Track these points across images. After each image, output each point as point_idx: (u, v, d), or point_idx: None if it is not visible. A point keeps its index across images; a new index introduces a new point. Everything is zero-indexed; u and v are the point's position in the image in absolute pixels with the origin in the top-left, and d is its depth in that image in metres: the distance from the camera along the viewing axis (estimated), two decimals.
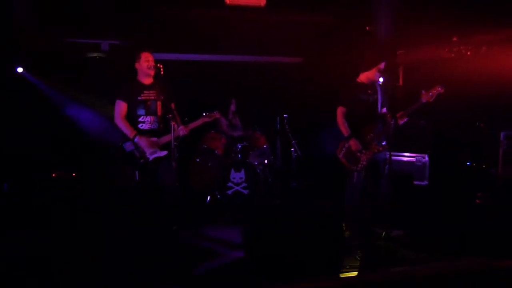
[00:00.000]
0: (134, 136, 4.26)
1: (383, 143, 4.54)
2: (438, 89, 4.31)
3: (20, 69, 6.62)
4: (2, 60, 6.41)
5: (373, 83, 4.63)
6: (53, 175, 6.16)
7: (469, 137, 6.20)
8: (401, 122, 4.40)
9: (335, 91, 4.78)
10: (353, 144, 4.49)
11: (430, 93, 4.30)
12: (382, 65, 4.55)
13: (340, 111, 4.62)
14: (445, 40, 6.35)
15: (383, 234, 4.49)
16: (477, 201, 5.57)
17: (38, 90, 6.71)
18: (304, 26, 6.05)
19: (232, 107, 6.92)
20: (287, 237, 3.69)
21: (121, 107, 4.34)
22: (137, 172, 4.34)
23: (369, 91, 4.61)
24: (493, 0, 4.89)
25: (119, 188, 5.33)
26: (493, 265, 3.11)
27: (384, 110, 4.60)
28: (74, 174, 6.28)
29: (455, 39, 6.22)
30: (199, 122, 4.54)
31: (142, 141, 4.27)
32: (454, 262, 3.86)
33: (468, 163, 6.18)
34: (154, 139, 4.39)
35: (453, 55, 6.34)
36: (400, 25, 6.14)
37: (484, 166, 5.98)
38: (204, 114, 4.55)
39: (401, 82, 7.35)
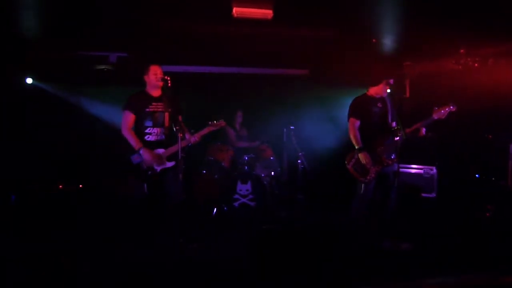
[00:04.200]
0: (140, 149, 4.28)
1: (392, 156, 4.53)
2: (451, 108, 4.35)
3: (29, 80, 6.72)
4: (11, 72, 6.51)
5: (382, 97, 4.65)
6: (60, 186, 6.18)
7: (478, 149, 6.15)
8: (423, 132, 4.49)
9: (342, 103, 4.79)
10: (363, 157, 4.49)
11: (442, 111, 4.35)
12: (391, 80, 4.58)
13: (352, 122, 4.63)
14: (452, 52, 6.34)
15: (392, 246, 4.44)
16: (487, 214, 5.50)
17: (46, 102, 6.79)
18: (311, 39, 6.07)
19: (239, 119, 6.95)
20: (292, 249, 3.66)
21: (128, 118, 4.37)
22: (145, 185, 4.35)
23: (379, 105, 4.63)
24: (500, 13, 4.89)
25: (127, 200, 5.33)
26: (503, 280, 3.05)
27: (394, 124, 4.60)
28: (81, 186, 6.30)
29: (462, 51, 6.21)
30: (205, 130, 4.58)
31: (146, 154, 4.29)
32: (463, 276, 3.80)
33: (477, 175, 6.12)
34: (161, 150, 4.41)
35: (460, 67, 6.33)
36: (407, 37, 6.15)
37: (493, 179, 5.91)
38: (209, 123, 4.60)
39: (408, 94, 7.34)
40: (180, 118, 4.39)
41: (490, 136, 6.12)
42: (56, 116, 6.78)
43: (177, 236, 4.32)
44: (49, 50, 6.34)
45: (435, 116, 4.39)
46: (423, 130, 4.52)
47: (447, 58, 6.49)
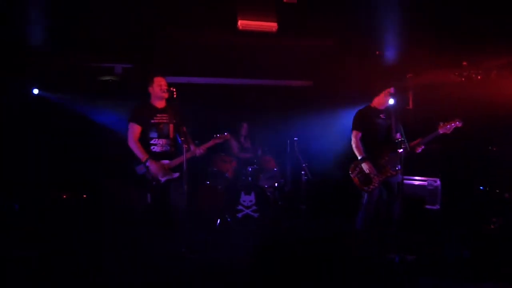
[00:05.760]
0: (146, 160, 4.31)
1: (397, 167, 4.56)
2: (457, 123, 4.38)
3: (36, 91, 6.78)
4: (17, 83, 6.58)
5: (386, 108, 4.68)
6: (64, 196, 6.20)
7: (482, 161, 6.14)
8: (418, 150, 4.50)
9: (346, 115, 4.83)
10: (367, 167, 4.51)
11: (448, 126, 4.39)
12: (392, 89, 4.61)
13: (355, 134, 4.69)
14: (455, 65, 6.37)
15: (396, 258, 4.42)
16: (491, 226, 5.48)
17: (51, 113, 6.84)
18: (315, 50, 6.13)
19: (243, 131, 6.97)
20: (296, 261, 3.66)
21: (134, 130, 4.40)
22: (149, 195, 4.36)
23: (382, 116, 4.66)
24: (502, 25, 4.93)
25: (130, 210, 5.34)
26: None
27: (398, 135, 4.62)
28: (84, 196, 6.31)
29: (465, 63, 6.25)
30: (210, 143, 4.62)
31: (152, 166, 4.32)
32: None
33: (481, 188, 6.10)
34: (166, 161, 4.43)
35: (463, 79, 6.36)
36: (410, 49, 6.19)
37: (497, 191, 5.89)
38: (215, 135, 4.65)
39: (411, 106, 7.36)
40: (184, 129, 4.42)
41: (495, 148, 6.11)
42: (61, 126, 6.82)
43: (180, 246, 4.33)
44: (55, 61, 6.41)
45: (441, 131, 4.43)
46: (419, 149, 4.52)
47: (450, 70, 6.52)
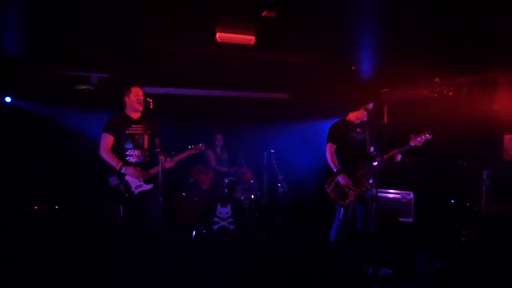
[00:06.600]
0: (121, 167, 4.23)
1: (370, 181, 4.63)
2: (427, 136, 4.51)
3: (8, 99, 6.63)
4: None
5: (362, 122, 4.75)
6: (35, 207, 6.04)
7: (453, 175, 6.29)
8: (398, 158, 4.64)
9: (322, 128, 4.88)
10: (342, 179, 4.56)
11: (419, 138, 4.51)
12: (370, 106, 4.70)
13: (329, 147, 4.73)
14: (428, 81, 6.55)
15: (370, 271, 4.47)
16: (462, 239, 5.60)
17: (25, 121, 6.69)
18: (292, 64, 6.21)
19: (219, 142, 6.97)
20: (273, 274, 3.65)
21: (107, 140, 4.32)
22: (121, 207, 4.29)
23: (358, 130, 4.73)
24: (472, 45, 5.12)
25: (102, 223, 5.24)
26: None
27: (372, 149, 4.69)
28: (56, 207, 6.17)
29: (437, 80, 6.44)
30: (185, 154, 4.61)
31: (128, 170, 4.25)
32: None
33: (452, 201, 6.24)
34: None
35: (435, 95, 6.54)
36: (385, 65, 6.34)
37: (467, 204, 6.04)
38: (189, 146, 4.66)
39: (385, 120, 7.51)
40: (157, 141, 4.34)
41: (465, 163, 6.27)
42: (34, 135, 6.68)
43: (155, 259, 4.26)
44: (29, 69, 6.29)
45: (412, 143, 4.54)
46: (399, 157, 4.65)
47: (423, 86, 6.70)
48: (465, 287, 4.07)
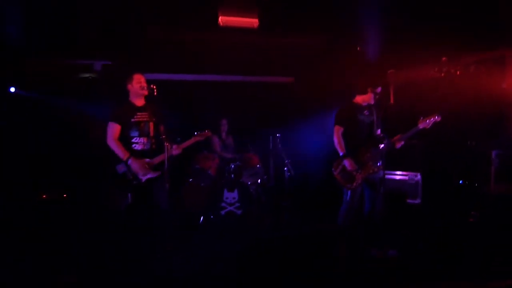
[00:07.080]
0: (128, 158, 4.24)
1: (378, 164, 4.59)
2: (436, 118, 4.44)
3: (12, 89, 6.62)
4: None
5: (369, 105, 4.70)
6: (44, 196, 6.08)
7: (461, 155, 6.24)
8: (398, 145, 4.55)
9: (328, 111, 4.83)
10: (348, 163, 4.53)
11: (427, 121, 4.44)
12: (379, 89, 4.64)
13: (337, 130, 4.68)
14: (435, 60, 6.44)
15: (379, 253, 4.47)
16: (471, 219, 5.57)
17: (29, 111, 6.69)
18: (296, 47, 6.13)
19: (224, 127, 6.94)
20: (281, 259, 3.65)
21: (114, 129, 4.32)
22: (130, 194, 4.30)
23: (365, 112, 4.68)
24: (480, 22, 5.02)
25: (111, 210, 5.27)
26: (488, 286, 3.09)
27: (379, 131, 4.65)
28: (65, 196, 6.20)
29: (444, 59, 6.32)
30: (191, 141, 4.59)
31: (134, 164, 4.25)
32: (449, 283, 3.85)
33: (460, 182, 6.20)
34: (147, 160, 4.37)
35: (442, 74, 6.43)
36: (390, 45, 6.24)
37: (476, 184, 6.00)
38: (196, 133, 4.63)
39: (392, 101, 7.42)
40: (162, 128, 4.33)
41: (473, 143, 6.21)
42: (40, 125, 6.68)
43: (163, 245, 4.28)
44: (33, 59, 6.27)
45: (421, 126, 4.48)
46: (399, 144, 4.58)
47: (430, 66, 6.60)
48: (475, 268, 4.05)
